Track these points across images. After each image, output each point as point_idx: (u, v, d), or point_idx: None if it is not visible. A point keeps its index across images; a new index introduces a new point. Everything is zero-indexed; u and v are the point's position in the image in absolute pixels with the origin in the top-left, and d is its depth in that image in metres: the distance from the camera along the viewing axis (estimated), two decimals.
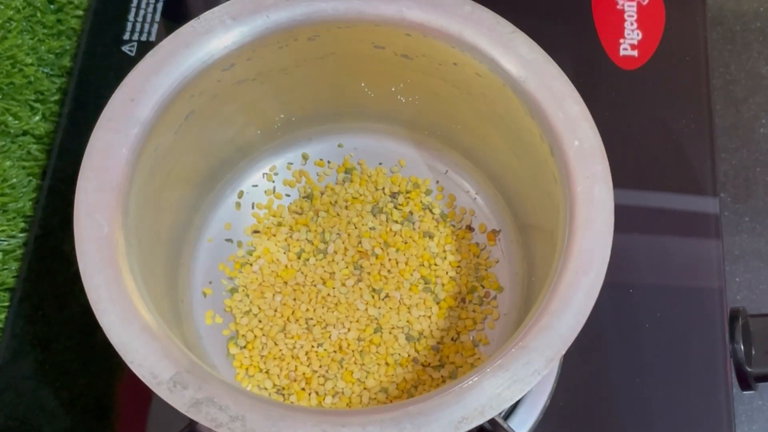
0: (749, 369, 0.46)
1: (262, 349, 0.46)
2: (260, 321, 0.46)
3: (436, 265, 0.48)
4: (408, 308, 0.46)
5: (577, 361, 0.47)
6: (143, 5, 0.58)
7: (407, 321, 0.46)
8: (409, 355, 0.45)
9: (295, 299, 0.46)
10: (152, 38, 0.57)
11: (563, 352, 0.35)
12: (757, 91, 0.64)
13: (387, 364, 0.45)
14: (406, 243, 0.48)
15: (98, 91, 0.54)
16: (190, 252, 0.47)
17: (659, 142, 0.54)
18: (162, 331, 0.35)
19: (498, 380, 0.34)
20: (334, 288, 0.47)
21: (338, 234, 0.48)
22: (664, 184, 0.52)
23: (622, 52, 0.56)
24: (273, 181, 0.50)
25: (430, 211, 0.49)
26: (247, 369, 0.45)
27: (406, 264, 0.47)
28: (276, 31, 0.41)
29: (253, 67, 0.43)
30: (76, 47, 0.57)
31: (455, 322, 0.46)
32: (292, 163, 0.51)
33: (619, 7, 0.58)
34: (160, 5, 0.58)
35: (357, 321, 0.46)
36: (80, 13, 0.58)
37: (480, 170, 0.49)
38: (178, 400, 0.33)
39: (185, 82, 0.40)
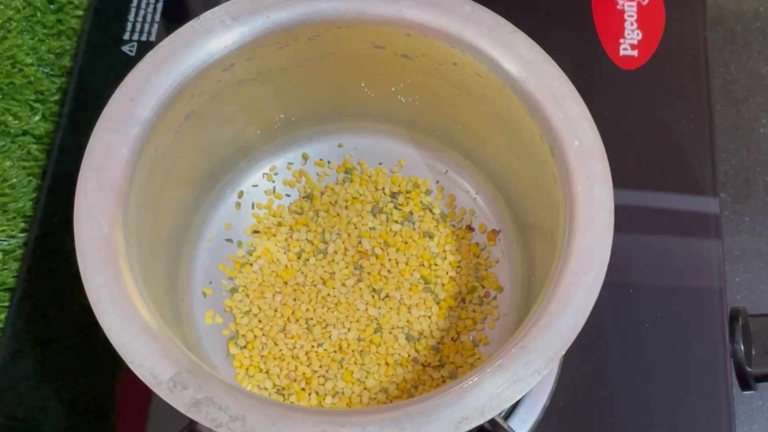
0: (749, 369, 0.46)
1: (262, 349, 0.46)
2: (260, 321, 0.46)
3: (436, 265, 0.48)
4: (408, 308, 0.46)
5: (577, 361, 0.47)
6: (143, 5, 0.58)
7: (407, 321, 0.46)
8: (409, 355, 0.45)
9: (295, 299, 0.46)
10: (152, 38, 0.57)
11: (563, 352, 0.35)
12: (757, 91, 0.64)
13: (387, 364, 0.45)
14: (406, 243, 0.48)
15: (98, 91, 0.54)
16: (190, 252, 0.47)
17: (659, 142, 0.54)
18: (162, 331, 0.35)
19: (498, 380, 0.34)
20: (334, 288, 0.47)
21: (338, 234, 0.48)
22: (664, 184, 0.52)
23: (622, 52, 0.56)
24: (273, 181, 0.50)
25: (430, 211, 0.49)
26: (247, 369, 0.45)
27: (406, 264, 0.47)
28: (276, 31, 0.41)
29: (253, 67, 0.43)
30: (76, 47, 0.57)
31: (455, 322, 0.46)
32: (292, 163, 0.51)
33: (619, 7, 0.58)
34: (160, 5, 0.58)
35: (357, 321, 0.46)
36: (80, 13, 0.58)
37: (480, 170, 0.49)
38: (178, 400, 0.33)
39: (185, 82, 0.40)
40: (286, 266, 0.48)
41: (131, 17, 0.58)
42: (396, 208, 0.49)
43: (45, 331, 0.49)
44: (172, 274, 0.45)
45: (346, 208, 0.49)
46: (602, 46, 0.57)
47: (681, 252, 0.51)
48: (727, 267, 0.52)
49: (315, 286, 0.47)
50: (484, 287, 0.47)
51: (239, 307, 0.47)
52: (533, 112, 0.40)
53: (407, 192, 0.50)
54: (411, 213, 0.49)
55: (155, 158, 0.40)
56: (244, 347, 0.46)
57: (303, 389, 0.45)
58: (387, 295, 0.47)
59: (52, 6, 0.57)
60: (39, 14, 0.56)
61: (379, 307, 0.46)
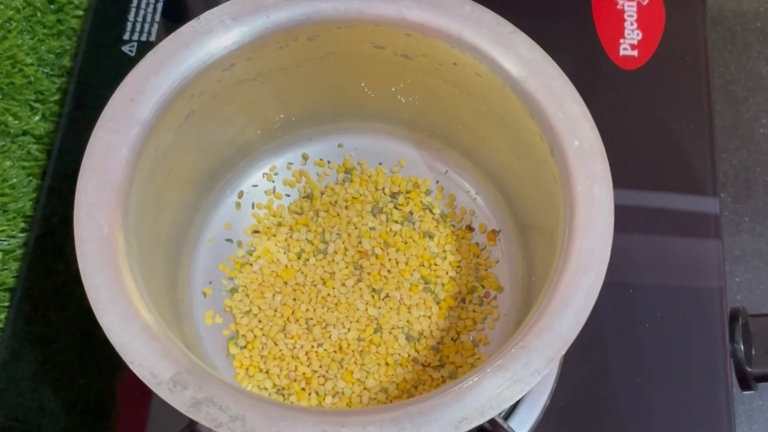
0: (749, 369, 0.46)
1: (262, 349, 0.46)
2: (260, 321, 0.46)
3: (436, 265, 0.48)
4: (408, 308, 0.46)
5: (577, 361, 0.47)
6: (143, 5, 0.58)
7: (407, 321, 0.46)
8: (409, 355, 0.45)
9: (295, 299, 0.46)
10: (152, 38, 0.57)
11: (563, 352, 0.35)
12: (757, 91, 0.64)
13: (387, 364, 0.45)
14: (406, 243, 0.48)
15: (98, 91, 0.54)
16: (190, 252, 0.47)
17: (659, 142, 0.54)
18: (162, 331, 0.35)
19: (498, 380, 0.34)
20: (334, 288, 0.47)
21: (338, 234, 0.48)
22: (664, 184, 0.52)
23: (622, 52, 0.56)
24: (273, 181, 0.50)
25: (430, 211, 0.49)
26: (247, 369, 0.45)
27: (406, 264, 0.47)
28: (276, 31, 0.41)
29: (253, 67, 0.43)
30: (76, 47, 0.57)
31: (455, 322, 0.46)
32: (292, 163, 0.51)
33: (619, 7, 0.58)
34: (160, 5, 0.58)
35: (357, 321, 0.46)
36: (80, 13, 0.58)
37: (480, 170, 0.49)
38: (178, 400, 0.33)
39: (185, 82, 0.40)
40: (286, 266, 0.48)
41: (131, 17, 0.58)
42: (396, 208, 0.49)
43: (45, 331, 0.49)
44: (172, 274, 0.45)
45: (346, 208, 0.49)
46: (602, 46, 0.57)
47: (681, 252, 0.51)
48: (727, 267, 0.52)
49: (315, 286, 0.47)
50: (484, 287, 0.47)
51: (239, 307, 0.47)
52: (533, 112, 0.40)
53: (407, 192, 0.50)
54: (411, 213, 0.49)
55: (155, 158, 0.40)
56: (244, 347, 0.46)
57: (303, 389, 0.45)
58: (387, 295, 0.47)
59: (52, 6, 0.57)
60: (39, 14, 0.56)
61: (379, 307, 0.46)
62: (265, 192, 0.50)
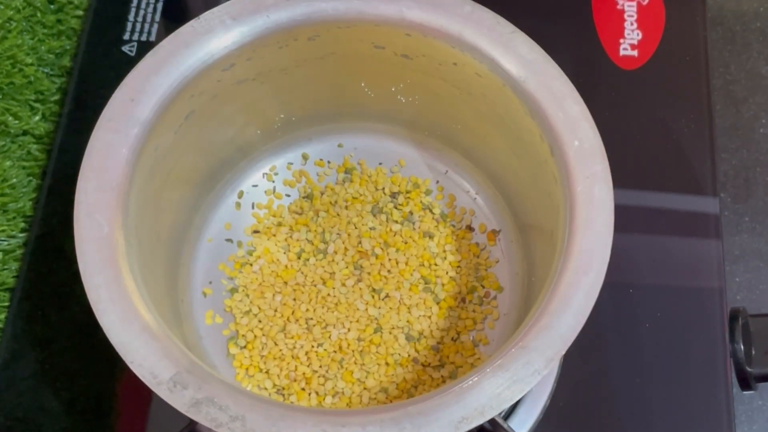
0: (749, 369, 0.46)
1: (262, 349, 0.46)
2: (260, 321, 0.46)
3: (436, 265, 0.48)
4: (408, 308, 0.46)
5: (577, 361, 0.47)
6: (143, 5, 0.58)
7: (407, 321, 0.46)
8: (409, 355, 0.45)
9: (295, 299, 0.46)
10: (152, 38, 0.57)
11: (563, 352, 0.35)
12: (757, 91, 0.64)
13: (387, 364, 0.45)
14: (406, 243, 0.48)
15: (98, 91, 0.54)
16: (190, 252, 0.47)
17: (659, 142, 0.54)
18: (162, 331, 0.35)
19: (498, 380, 0.34)
20: (334, 288, 0.47)
21: (338, 234, 0.48)
22: (664, 184, 0.52)
23: (622, 52, 0.56)
24: (273, 181, 0.50)
25: (430, 211, 0.49)
26: (247, 369, 0.45)
27: (406, 264, 0.47)
28: (276, 31, 0.41)
29: (253, 67, 0.43)
30: (76, 47, 0.57)
31: (455, 322, 0.46)
32: (292, 163, 0.51)
33: (619, 7, 0.58)
34: (160, 5, 0.58)
35: (357, 321, 0.46)
36: (80, 13, 0.58)
37: (480, 170, 0.49)
38: (178, 400, 0.33)
39: (185, 82, 0.40)
40: (286, 266, 0.48)
41: (131, 17, 0.58)
42: (396, 208, 0.49)
43: (45, 331, 0.49)
44: (172, 274, 0.45)
45: (346, 208, 0.49)
46: (602, 46, 0.57)
47: (681, 252, 0.51)
48: (727, 267, 0.52)
49: (315, 286, 0.47)
50: (484, 287, 0.47)
51: (239, 307, 0.47)
52: (533, 112, 0.40)
53: (407, 192, 0.50)
54: (411, 213, 0.49)
55: (155, 158, 0.40)
56: (244, 347, 0.46)
57: (303, 389, 0.45)
58: (387, 295, 0.47)
59: (52, 6, 0.57)
60: (39, 14, 0.56)
61: (379, 307, 0.46)
62: (265, 192, 0.50)
